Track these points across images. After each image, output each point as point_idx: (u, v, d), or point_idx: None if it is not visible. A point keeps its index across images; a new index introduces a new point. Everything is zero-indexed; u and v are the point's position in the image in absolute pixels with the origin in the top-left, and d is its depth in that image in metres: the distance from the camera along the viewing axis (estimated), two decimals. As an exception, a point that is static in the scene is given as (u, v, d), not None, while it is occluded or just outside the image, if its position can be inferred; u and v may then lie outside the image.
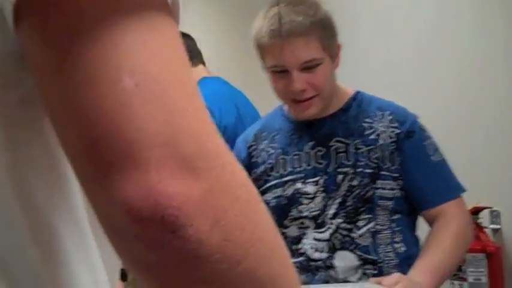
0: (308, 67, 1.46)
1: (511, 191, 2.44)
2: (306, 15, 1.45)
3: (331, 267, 1.47)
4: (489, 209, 2.46)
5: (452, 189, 1.55)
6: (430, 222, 1.53)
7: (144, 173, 0.38)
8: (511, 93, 2.28)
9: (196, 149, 0.40)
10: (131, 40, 0.40)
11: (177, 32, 0.44)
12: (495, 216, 2.46)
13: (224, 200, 0.40)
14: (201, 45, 2.40)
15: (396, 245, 1.49)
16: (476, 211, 2.42)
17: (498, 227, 2.46)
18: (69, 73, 0.40)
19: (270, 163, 1.59)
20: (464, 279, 2.38)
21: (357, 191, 1.48)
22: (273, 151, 1.60)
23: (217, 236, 0.39)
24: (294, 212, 1.53)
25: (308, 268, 1.49)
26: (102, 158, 0.39)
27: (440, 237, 1.46)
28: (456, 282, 2.40)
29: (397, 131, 1.51)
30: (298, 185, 1.53)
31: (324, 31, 1.48)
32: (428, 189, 1.51)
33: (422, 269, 1.37)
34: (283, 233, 1.57)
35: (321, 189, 1.51)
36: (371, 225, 1.47)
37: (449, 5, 2.56)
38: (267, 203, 1.56)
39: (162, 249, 0.39)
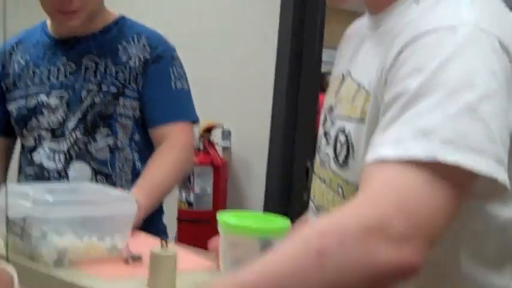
0: None
1: (243, 114, 2.76)
2: None
3: (64, 177, 1.53)
4: (221, 128, 2.76)
5: (184, 114, 1.60)
6: (157, 143, 1.56)
7: None
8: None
9: None
10: None
11: None
12: (226, 135, 2.76)
13: None
14: None
15: (137, 163, 1.56)
16: (209, 129, 2.69)
17: (228, 145, 2.78)
18: None
19: (18, 74, 1.60)
20: (192, 190, 2.67)
21: (98, 108, 1.53)
22: (24, 63, 1.60)
23: None
24: (33, 123, 1.56)
25: (41, 177, 1.54)
26: None
27: (163, 157, 1.53)
28: (184, 191, 2.68)
29: (147, 55, 1.56)
30: (42, 97, 1.55)
31: None
32: (160, 109, 1.57)
33: (142, 190, 1.44)
34: (22, 144, 1.62)
35: (64, 103, 1.54)
36: (110, 141, 1.53)
37: None
38: (11, 113, 1.60)
39: None
